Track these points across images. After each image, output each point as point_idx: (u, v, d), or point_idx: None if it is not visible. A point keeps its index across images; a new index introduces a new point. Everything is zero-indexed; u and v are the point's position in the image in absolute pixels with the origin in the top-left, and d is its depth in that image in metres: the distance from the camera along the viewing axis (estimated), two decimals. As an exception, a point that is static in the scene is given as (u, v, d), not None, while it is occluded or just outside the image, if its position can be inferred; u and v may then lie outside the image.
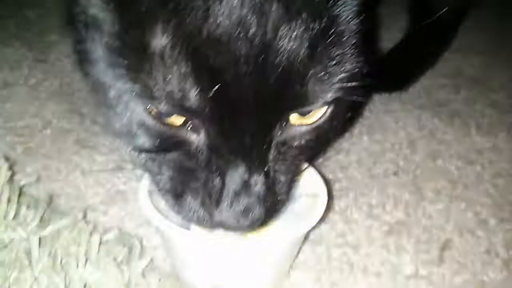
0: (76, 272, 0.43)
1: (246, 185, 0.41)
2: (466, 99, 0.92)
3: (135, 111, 0.41)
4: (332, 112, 0.45)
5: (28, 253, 0.45)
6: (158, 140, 0.42)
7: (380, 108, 0.85)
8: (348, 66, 0.41)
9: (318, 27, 0.38)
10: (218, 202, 0.41)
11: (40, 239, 0.47)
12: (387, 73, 0.94)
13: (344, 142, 0.74)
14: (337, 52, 0.40)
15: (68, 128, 0.73)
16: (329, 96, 0.41)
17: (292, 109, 0.41)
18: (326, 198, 0.50)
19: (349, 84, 0.41)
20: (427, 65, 0.99)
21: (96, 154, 0.67)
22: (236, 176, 0.41)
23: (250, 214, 0.41)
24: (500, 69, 1.05)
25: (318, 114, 0.44)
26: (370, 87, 0.87)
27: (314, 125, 0.44)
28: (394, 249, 0.56)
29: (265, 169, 0.42)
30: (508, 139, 0.80)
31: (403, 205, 0.63)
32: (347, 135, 0.76)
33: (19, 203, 0.51)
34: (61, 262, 0.45)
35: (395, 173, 0.68)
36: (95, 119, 0.74)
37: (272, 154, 0.43)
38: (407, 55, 0.95)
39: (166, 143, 0.42)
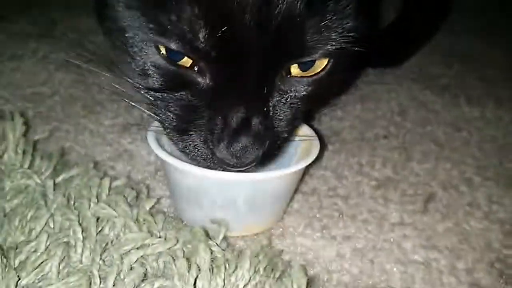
0: (87, 211, 0.47)
1: (245, 125, 0.44)
2: (457, 74, 0.96)
3: (149, 52, 0.45)
4: (332, 67, 0.48)
5: (44, 195, 0.49)
6: (168, 79, 0.45)
7: (374, 80, 0.89)
8: (345, 23, 0.45)
9: None
10: (219, 140, 0.45)
11: (54, 185, 0.51)
12: (382, 49, 0.98)
13: (338, 110, 0.78)
14: (335, 7, 0.44)
15: (76, 96, 0.76)
16: (327, 48, 0.44)
17: (292, 59, 0.45)
18: (318, 142, 0.55)
19: (347, 40, 0.45)
20: (420, 43, 1.02)
21: (103, 118, 0.71)
22: (236, 116, 0.44)
23: (249, 152, 0.44)
24: (491, 47, 1.09)
25: (318, 67, 0.47)
26: (365, 62, 0.92)
27: (314, 77, 0.48)
28: (381, 201, 0.60)
29: (265, 112, 0.46)
30: (496, 109, 0.84)
31: (392, 164, 0.67)
32: (340, 103, 0.80)
33: (33, 155, 0.55)
34: (74, 203, 0.49)
35: (385, 137, 0.72)
36: (101, 88, 0.77)
37: (273, 100, 0.47)
38: (402, 32, 0.99)
39: (175, 83, 0.45)
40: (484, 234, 0.57)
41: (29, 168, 0.54)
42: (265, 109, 0.46)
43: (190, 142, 0.47)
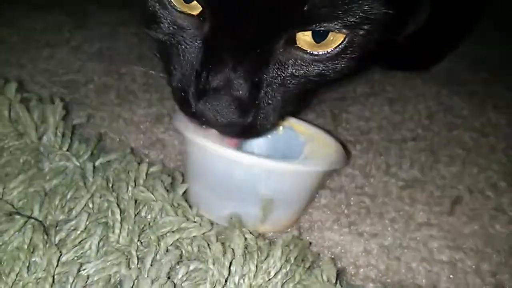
0: (126, 193, 0.48)
1: (228, 85, 0.43)
2: (485, 81, 0.96)
3: (163, 2, 0.44)
4: (346, 47, 0.44)
5: (83, 177, 0.51)
6: (174, 25, 0.45)
7: (402, 84, 0.89)
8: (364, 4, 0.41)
9: None
10: (200, 95, 0.44)
11: (93, 167, 0.52)
12: (410, 52, 0.98)
13: (366, 111, 0.79)
14: None
15: (109, 85, 0.78)
16: (344, 20, 0.41)
17: (295, 24, 0.41)
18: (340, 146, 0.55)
19: (370, 21, 0.42)
20: (449, 48, 1.02)
21: (136, 107, 0.72)
22: (221, 73, 0.43)
23: (226, 113, 0.43)
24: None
25: (332, 43, 0.44)
26: (393, 65, 0.92)
27: (323, 54, 0.44)
28: (408, 201, 0.60)
29: (254, 80, 0.44)
30: (524, 118, 0.84)
31: (419, 166, 0.67)
32: (368, 104, 0.81)
33: (71, 139, 0.57)
34: (112, 186, 0.50)
35: (413, 139, 0.73)
36: (134, 78, 0.79)
37: (269, 69, 0.44)
38: (431, 37, 0.99)
39: (178, 30, 0.45)
40: (508, 238, 0.57)
41: (67, 151, 0.55)
42: (256, 78, 0.44)
43: (184, 98, 0.46)
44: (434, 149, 0.72)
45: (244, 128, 0.46)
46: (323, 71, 0.46)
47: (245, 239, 0.45)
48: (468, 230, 0.57)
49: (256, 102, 0.45)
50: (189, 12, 0.44)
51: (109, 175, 0.51)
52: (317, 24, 0.41)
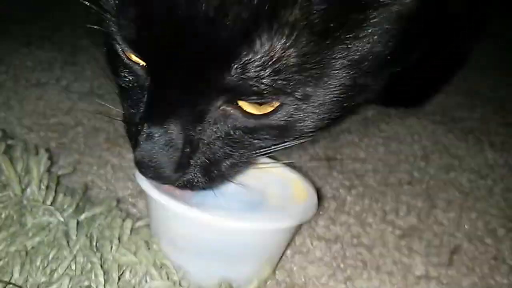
0: (109, 253, 0.46)
1: (161, 138, 0.44)
2: (481, 118, 0.95)
3: (118, 51, 0.46)
4: (286, 112, 0.45)
5: (66, 235, 0.49)
6: (131, 73, 0.47)
7: (397, 122, 0.88)
8: (291, 67, 0.41)
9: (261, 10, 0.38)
10: (137, 144, 0.45)
11: (77, 224, 0.50)
12: (403, 88, 0.97)
13: (361, 152, 0.77)
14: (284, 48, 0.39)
15: (98, 127, 0.76)
16: (264, 94, 0.41)
17: (223, 94, 0.42)
18: (314, 192, 0.53)
19: (291, 87, 0.42)
20: (442, 82, 1.01)
21: (125, 152, 0.71)
22: (156, 126, 0.44)
23: (156, 165, 0.44)
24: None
25: (269, 107, 0.44)
26: (387, 102, 0.91)
27: (264, 117, 0.45)
28: (406, 251, 0.58)
29: (189, 133, 0.44)
30: (520, 157, 0.82)
31: (416, 212, 0.66)
32: (363, 145, 0.79)
33: (56, 191, 0.55)
34: (96, 244, 0.48)
35: (409, 183, 0.71)
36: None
37: (205, 127, 0.45)
38: (423, 72, 0.98)
39: (135, 78, 0.47)
40: (509, 290, 0.55)
41: (52, 204, 0.53)
42: (190, 133, 0.44)
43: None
44: (431, 193, 0.70)
45: (191, 183, 0.47)
46: (265, 131, 0.46)
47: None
48: (467, 283, 0.56)
49: (190, 156, 0.46)
50: (142, 63, 0.45)
51: (92, 232, 0.49)
52: (245, 97, 0.42)
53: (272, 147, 0.50)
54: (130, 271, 0.46)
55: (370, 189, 0.69)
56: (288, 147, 0.52)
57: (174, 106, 0.43)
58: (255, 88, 0.40)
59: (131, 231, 0.50)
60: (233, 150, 0.48)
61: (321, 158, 0.74)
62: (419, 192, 0.70)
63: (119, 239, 0.49)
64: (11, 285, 0.42)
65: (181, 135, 0.44)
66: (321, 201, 0.65)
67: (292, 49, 0.39)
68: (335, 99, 0.46)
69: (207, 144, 0.46)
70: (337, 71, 0.44)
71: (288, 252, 0.56)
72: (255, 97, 0.42)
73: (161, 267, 0.46)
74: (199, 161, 0.46)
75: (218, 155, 0.47)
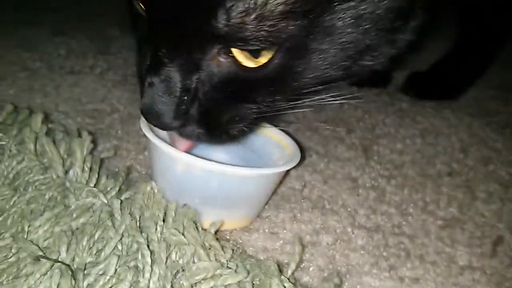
0: (154, 234, 0.46)
1: (160, 86, 0.46)
2: (515, 110, 0.94)
3: (133, 5, 0.48)
4: (280, 63, 0.45)
5: (111, 216, 0.48)
6: (139, 22, 0.48)
7: (432, 114, 0.87)
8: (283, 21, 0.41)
9: None
10: (142, 92, 0.47)
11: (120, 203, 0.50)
12: (437, 81, 0.96)
13: (398, 143, 0.76)
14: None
15: (134, 114, 0.76)
16: (255, 41, 0.41)
17: (214, 42, 0.43)
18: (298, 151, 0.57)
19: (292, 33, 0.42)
20: (476, 75, 1.00)
21: (162, 138, 0.70)
22: (156, 75, 0.46)
23: (158, 111, 0.46)
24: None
25: (263, 59, 0.44)
26: (421, 94, 0.90)
27: (259, 73, 0.45)
28: (449, 241, 0.57)
29: (186, 81, 0.46)
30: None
31: (457, 203, 0.64)
32: (399, 136, 0.78)
33: (99, 173, 0.55)
34: (140, 225, 0.48)
35: (449, 174, 0.70)
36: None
37: (203, 75, 0.46)
38: (457, 65, 0.97)
39: (143, 28, 0.48)
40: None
41: (95, 186, 0.53)
42: (188, 81, 0.46)
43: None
44: (471, 185, 0.69)
45: (197, 132, 0.50)
46: (262, 84, 0.47)
47: (284, 287, 0.42)
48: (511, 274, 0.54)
49: (189, 105, 0.47)
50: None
51: (135, 213, 0.49)
52: (234, 43, 0.42)
53: (276, 104, 0.50)
54: (178, 252, 0.45)
55: (409, 180, 0.68)
56: (296, 107, 0.53)
57: (171, 55, 0.44)
58: (240, 34, 0.41)
59: (175, 212, 0.49)
60: (231, 102, 0.48)
61: (357, 148, 0.73)
62: (459, 184, 0.69)
63: (163, 220, 0.48)
64: (58, 263, 0.42)
65: (179, 83, 0.45)
66: (357, 189, 0.64)
67: None
68: (337, 54, 0.46)
69: (205, 94, 0.47)
70: (338, 26, 0.44)
71: (329, 239, 0.55)
72: (242, 44, 0.42)
73: (209, 248, 0.46)
74: (197, 110, 0.48)
75: (216, 106, 0.48)
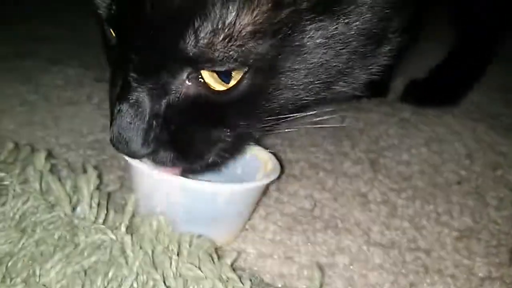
0: (169, 269, 0.45)
1: (129, 113, 0.45)
2: (518, 113, 0.93)
3: (106, 32, 0.48)
4: (249, 84, 0.44)
5: (123, 252, 0.47)
6: (111, 50, 0.49)
7: (435, 121, 0.86)
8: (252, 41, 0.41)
9: None
10: (111, 121, 0.47)
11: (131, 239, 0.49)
12: (437, 87, 0.96)
13: (404, 154, 0.76)
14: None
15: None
16: (223, 62, 0.42)
17: (183, 64, 0.43)
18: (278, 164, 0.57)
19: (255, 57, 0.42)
20: (475, 78, 0.99)
21: (166, 165, 0.69)
22: (126, 101, 0.45)
23: (126, 140, 0.46)
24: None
25: (231, 82, 0.44)
26: (421, 101, 0.90)
27: (230, 95, 0.45)
28: (465, 253, 0.57)
29: (155, 108, 0.45)
30: None
31: (469, 212, 0.64)
32: (404, 146, 0.78)
33: (107, 208, 0.54)
34: (153, 260, 0.47)
35: (458, 183, 0.69)
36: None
37: (172, 100, 0.45)
38: (455, 68, 0.97)
39: (114, 56, 0.49)
40: None
41: (104, 222, 0.52)
42: (157, 108, 0.46)
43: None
44: (481, 192, 0.68)
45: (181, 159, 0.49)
46: (234, 106, 0.46)
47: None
48: (532, 282, 0.53)
49: (158, 131, 0.46)
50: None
51: (146, 247, 0.48)
52: (202, 65, 0.42)
53: (251, 127, 0.50)
54: (194, 287, 0.44)
55: (419, 192, 0.67)
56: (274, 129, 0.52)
57: (140, 80, 0.44)
58: (209, 55, 0.41)
59: (189, 245, 0.48)
60: (203, 126, 0.48)
61: (364, 162, 0.73)
62: (469, 191, 0.68)
63: (177, 253, 0.47)
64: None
65: (148, 108, 0.45)
66: (369, 205, 0.63)
67: (247, 18, 0.40)
68: (308, 75, 0.46)
69: (175, 118, 0.46)
70: (308, 45, 0.44)
71: (346, 259, 0.54)
72: (211, 65, 0.42)
73: (227, 280, 0.45)
74: (168, 134, 0.47)
75: (188, 130, 0.47)
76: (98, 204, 0.53)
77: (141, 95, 0.45)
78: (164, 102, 0.45)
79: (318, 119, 0.56)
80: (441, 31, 1.02)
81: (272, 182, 0.55)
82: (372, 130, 0.82)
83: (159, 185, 0.51)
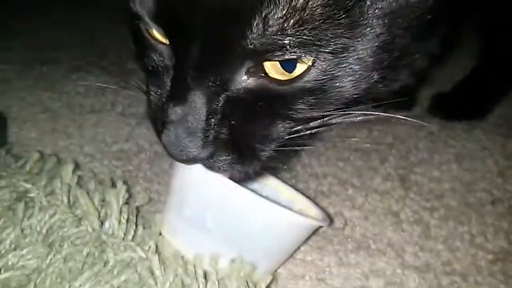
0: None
1: (184, 117, 0.43)
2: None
3: (143, 31, 0.46)
4: (319, 71, 0.42)
5: (151, 272, 0.46)
6: (158, 54, 0.46)
7: (464, 136, 0.84)
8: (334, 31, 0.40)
9: None
10: (162, 127, 0.44)
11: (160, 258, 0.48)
12: (463, 101, 0.94)
13: (434, 170, 0.74)
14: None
15: (161, 153, 0.74)
16: (290, 50, 0.39)
17: (246, 56, 0.41)
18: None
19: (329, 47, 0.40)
20: (503, 92, 0.97)
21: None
22: (180, 106, 0.43)
23: (182, 146, 0.43)
24: None
25: (297, 71, 0.42)
26: (448, 114, 0.88)
27: (295, 84, 0.42)
28: (501, 277, 0.55)
29: (209, 108, 0.43)
30: None
31: (504, 233, 0.62)
32: (435, 162, 0.76)
33: (136, 223, 0.53)
34: (183, 282, 0.46)
35: (492, 202, 0.67)
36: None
37: (232, 96, 0.43)
38: (482, 83, 0.95)
39: (162, 59, 0.46)
40: None
41: (132, 238, 0.51)
42: (211, 103, 0.43)
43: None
44: (515, 213, 0.66)
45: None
46: (298, 97, 0.44)
47: None
48: None
49: (217, 130, 0.44)
50: (165, 41, 0.44)
51: (177, 268, 0.47)
52: (270, 54, 0.40)
53: (314, 121, 0.47)
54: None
55: (452, 211, 0.65)
56: (336, 123, 0.49)
57: (198, 79, 0.42)
58: (279, 42, 0.38)
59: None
60: (264, 121, 0.45)
61: (394, 178, 0.71)
62: (503, 212, 0.66)
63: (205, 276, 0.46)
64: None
65: (205, 106, 0.43)
66: (401, 224, 0.62)
67: None
68: (373, 54, 0.43)
69: (234, 114, 0.44)
70: (371, 20, 0.41)
71: (380, 283, 0.53)
72: (280, 53, 0.39)
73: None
74: (227, 133, 0.45)
75: (247, 126, 0.45)
76: (127, 220, 0.52)
77: (198, 94, 0.42)
78: (222, 98, 0.43)
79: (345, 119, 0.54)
80: (467, 42, 1.00)
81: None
82: (401, 144, 0.80)
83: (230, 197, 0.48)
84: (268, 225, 0.47)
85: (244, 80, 0.42)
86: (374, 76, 0.45)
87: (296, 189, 0.58)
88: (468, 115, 0.92)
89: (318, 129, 0.49)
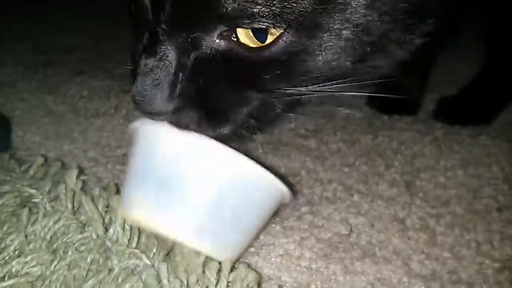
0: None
1: (154, 69, 0.44)
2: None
3: None
4: (287, 43, 0.43)
5: (158, 280, 0.46)
6: (139, 8, 0.47)
7: (469, 142, 0.84)
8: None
9: None
10: (133, 79, 0.45)
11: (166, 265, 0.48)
12: (468, 105, 0.93)
13: (440, 176, 0.73)
14: None
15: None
16: (263, 18, 0.40)
17: (218, 21, 0.42)
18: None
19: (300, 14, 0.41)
20: (509, 97, 0.97)
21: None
22: (151, 58, 0.44)
23: (149, 97, 0.44)
24: None
25: (267, 41, 0.43)
26: (451, 119, 0.88)
27: (264, 53, 0.43)
28: (508, 286, 0.54)
29: (178, 63, 0.44)
30: None
31: (510, 242, 0.61)
32: (440, 168, 0.75)
33: (140, 230, 0.52)
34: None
35: (498, 209, 0.67)
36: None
37: (202, 55, 0.44)
38: (488, 87, 0.95)
39: (140, 10, 0.47)
40: None
41: (137, 245, 0.51)
42: (186, 57, 0.44)
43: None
44: (522, 220, 0.65)
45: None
46: (266, 66, 0.45)
47: None
48: None
49: (184, 85, 0.45)
50: None
51: (181, 276, 0.46)
52: (242, 20, 0.41)
53: (282, 93, 0.47)
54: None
55: (458, 218, 0.64)
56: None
57: (169, 34, 0.43)
58: (250, 10, 0.39)
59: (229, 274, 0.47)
60: (233, 86, 0.46)
61: (399, 184, 0.70)
62: (509, 219, 0.66)
63: (217, 283, 0.45)
64: None
65: (175, 60, 0.44)
66: (407, 231, 0.61)
67: None
68: (349, 38, 0.44)
69: (203, 73, 0.45)
70: (352, 4, 0.42)
71: (386, 291, 0.52)
72: (250, 22, 0.40)
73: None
74: (195, 90, 0.45)
75: (216, 88, 0.46)
76: (131, 227, 0.52)
77: (169, 49, 0.44)
78: (192, 55, 0.44)
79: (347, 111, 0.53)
80: (471, 45, 1.00)
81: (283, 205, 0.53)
82: (406, 150, 0.80)
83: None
84: (237, 181, 0.47)
85: (215, 41, 0.43)
86: (347, 58, 0.45)
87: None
88: (474, 120, 0.92)
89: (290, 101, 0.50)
